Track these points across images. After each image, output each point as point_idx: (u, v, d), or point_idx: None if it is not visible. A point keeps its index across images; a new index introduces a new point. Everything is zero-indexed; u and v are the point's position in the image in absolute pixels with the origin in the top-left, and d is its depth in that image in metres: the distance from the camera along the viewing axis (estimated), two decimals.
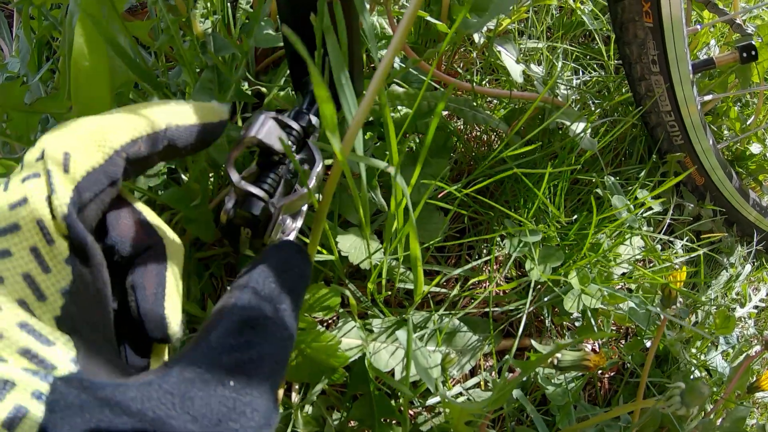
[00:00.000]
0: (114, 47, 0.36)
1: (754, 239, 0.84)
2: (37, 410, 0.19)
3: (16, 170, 0.22)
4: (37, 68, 0.57)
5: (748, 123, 0.81)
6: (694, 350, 0.72)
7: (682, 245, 0.72)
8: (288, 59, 0.42)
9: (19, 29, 0.78)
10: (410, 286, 0.50)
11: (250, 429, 0.21)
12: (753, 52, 0.63)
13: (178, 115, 0.27)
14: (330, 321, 0.54)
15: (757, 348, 0.70)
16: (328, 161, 0.48)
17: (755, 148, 0.83)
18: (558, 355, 0.46)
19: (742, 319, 0.81)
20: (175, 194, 0.46)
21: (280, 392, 0.49)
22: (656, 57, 0.58)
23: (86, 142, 0.23)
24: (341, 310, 0.50)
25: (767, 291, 0.85)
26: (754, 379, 0.65)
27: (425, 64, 0.54)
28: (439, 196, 0.50)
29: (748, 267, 0.81)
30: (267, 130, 0.32)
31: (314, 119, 0.38)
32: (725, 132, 0.84)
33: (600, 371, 0.65)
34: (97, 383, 0.20)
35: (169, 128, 0.27)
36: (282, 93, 0.54)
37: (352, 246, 0.47)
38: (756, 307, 0.83)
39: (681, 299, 0.69)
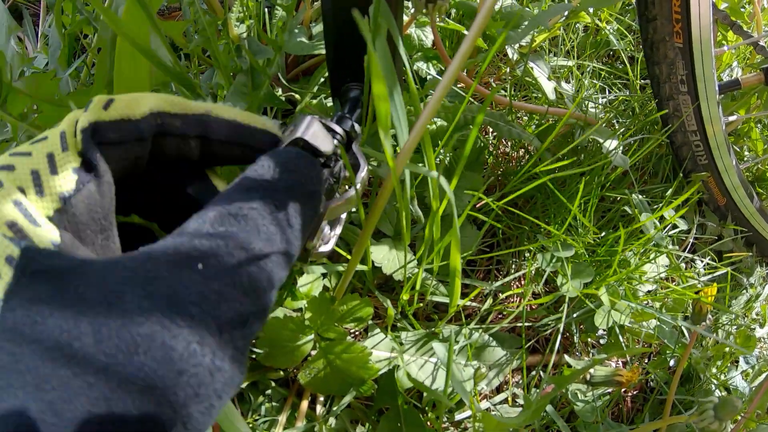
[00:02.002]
0: (145, 53, 0.36)
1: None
2: (6, 273, 0.19)
3: None
4: (68, 63, 0.57)
5: None
6: (714, 370, 0.72)
7: (705, 264, 0.72)
8: (328, 65, 0.42)
9: (46, 28, 0.79)
10: (439, 299, 0.50)
11: (212, 317, 0.19)
12: None
13: (219, 108, 0.28)
14: (358, 333, 0.54)
15: None
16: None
17: None
18: (591, 370, 0.46)
19: (762, 339, 0.81)
20: None
21: (304, 404, 0.49)
22: (684, 77, 0.58)
23: (128, 100, 0.25)
24: (371, 322, 0.50)
25: None
26: None
27: (465, 78, 0.54)
28: (478, 206, 0.50)
29: (765, 289, 0.81)
30: (312, 131, 0.32)
31: (356, 125, 0.37)
32: (746, 153, 0.84)
33: (623, 390, 0.65)
34: (67, 257, 0.20)
35: (207, 114, 0.27)
36: (314, 101, 0.54)
37: (385, 257, 0.47)
38: None
39: (711, 316, 0.69)
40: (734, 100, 0.76)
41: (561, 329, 0.50)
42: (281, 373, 0.49)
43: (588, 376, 0.45)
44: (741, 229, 0.78)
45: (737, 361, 0.75)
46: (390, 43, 0.34)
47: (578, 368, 0.43)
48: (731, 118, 0.70)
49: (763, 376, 0.73)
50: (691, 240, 0.68)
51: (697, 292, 0.53)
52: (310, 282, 0.48)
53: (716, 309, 0.68)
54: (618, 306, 0.51)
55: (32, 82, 0.44)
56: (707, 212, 0.76)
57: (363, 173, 0.34)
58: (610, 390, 0.54)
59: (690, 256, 0.66)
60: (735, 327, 0.76)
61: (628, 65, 0.74)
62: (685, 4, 0.53)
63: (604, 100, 0.71)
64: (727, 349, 0.72)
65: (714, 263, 0.72)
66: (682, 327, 0.61)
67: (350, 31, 0.35)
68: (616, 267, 0.49)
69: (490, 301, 0.51)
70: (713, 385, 0.70)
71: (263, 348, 0.45)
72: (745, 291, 0.81)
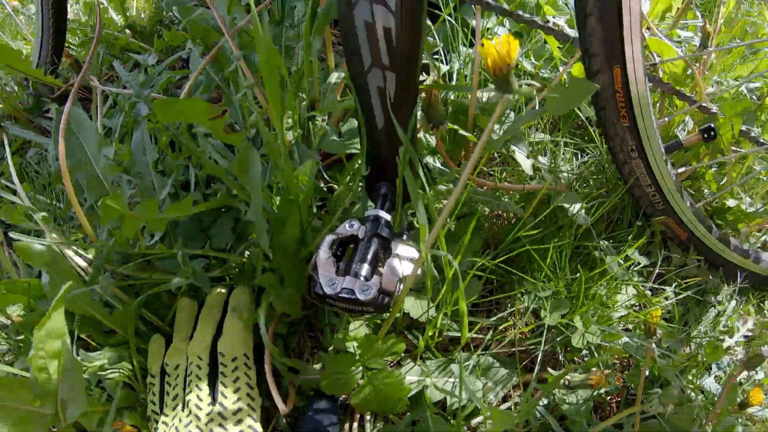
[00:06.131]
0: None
1: (738, 279, 0.98)
2: None
3: None
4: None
5: (722, 182, 0.97)
6: (690, 377, 0.87)
7: (672, 290, 0.88)
8: (368, 174, 0.59)
9: (103, 117, 0.96)
10: (453, 334, 0.66)
11: None
12: (713, 133, 0.80)
13: None
14: (393, 363, 0.70)
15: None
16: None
17: (731, 202, 0.99)
18: (568, 377, 0.62)
19: (731, 348, 0.95)
20: (269, 279, 0.62)
21: (355, 424, 0.65)
22: (634, 146, 0.74)
23: None
24: (403, 354, 0.66)
25: (753, 321, 0.99)
26: (745, 396, 0.79)
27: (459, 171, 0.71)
28: (476, 267, 0.67)
29: (733, 303, 0.96)
30: (355, 227, 0.49)
31: (388, 216, 0.54)
32: (705, 190, 1.00)
33: (609, 397, 0.80)
34: None
35: None
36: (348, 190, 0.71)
37: (412, 305, 0.63)
38: (745, 336, 0.97)
39: (660, 332, 0.83)
40: (687, 151, 0.92)
41: (545, 352, 0.66)
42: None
43: (567, 382, 0.61)
44: (704, 257, 0.93)
45: (710, 368, 0.89)
46: (411, 166, 0.52)
47: (556, 376, 0.60)
48: (681, 170, 0.86)
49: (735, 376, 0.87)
50: (657, 271, 0.84)
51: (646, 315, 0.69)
52: (357, 328, 0.65)
53: (670, 327, 0.83)
54: (591, 329, 0.67)
55: (143, 208, 0.58)
56: (672, 246, 0.92)
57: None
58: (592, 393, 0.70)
59: (655, 285, 0.82)
60: (706, 339, 0.91)
61: (596, 130, 0.91)
62: (627, 95, 0.69)
63: (579, 162, 0.88)
64: (700, 357, 0.87)
65: (679, 289, 0.87)
66: (652, 342, 0.77)
67: (385, 155, 0.53)
68: (582, 300, 0.66)
69: (491, 333, 0.67)
70: (689, 390, 0.85)
71: (325, 380, 0.61)
72: (713, 308, 0.96)
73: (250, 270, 0.65)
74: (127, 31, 1.31)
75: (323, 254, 0.50)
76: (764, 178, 1.03)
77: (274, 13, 0.83)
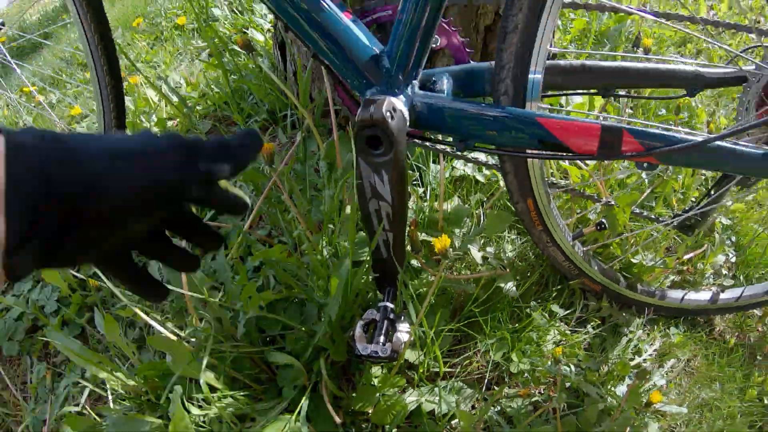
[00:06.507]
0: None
1: (645, 313, 1.37)
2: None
3: None
4: None
5: (625, 248, 1.38)
6: (609, 387, 1.26)
7: (590, 327, 1.28)
8: (376, 279, 1.01)
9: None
10: (436, 369, 1.07)
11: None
12: (604, 225, 1.21)
13: None
14: (399, 391, 1.11)
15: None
16: None
17: (636, 258, 1.39)
18: (506, 391, 1.02)
19: (640, 364, 1.35)
20: (327, 342, 1.03)
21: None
22: (548, 240, 1.15)
23: None
24: (405, 385, 1.07)
25: (660, 342, 1.39)
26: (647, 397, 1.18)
27: (434, 272, 1.12)
28: (446, 329, 1.08)
29: (640, 332, 1.36)
30: (374, 314, 0.91)
31: (392, 305, 0.95)
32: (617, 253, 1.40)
33: (546, 402, 1.20)
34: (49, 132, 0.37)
35: None
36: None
37: (410, 355, 1.04)
38: (651, 354, 1.36)
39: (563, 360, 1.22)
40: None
41: (497, 376, 1.07)
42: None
43: (505, 394, 1.01)
44: (615, 301, 1.34)
45: (623, 379, 1.29)
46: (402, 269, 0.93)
47: (497, 391, 1.00)
48: (588, 247, 1.27)
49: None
50: (576, 315, 1.25)
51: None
52: (376, 370, 1.05)
53: (588, 354, 1.22)
54: (523, 361, 1.08)
55: (244, 293, 1.01)
56: (590, 297, 1.32)
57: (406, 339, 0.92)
58: (524, 402, 1.10)
59: (572, 327, 1.22)
60: (618, 359, 1.31)
61: None
62: (538, 214, 1.10)
63: (519, 243, 1.29)
64: (615, 373, 1.27)
65: (596, 327, 1.28)
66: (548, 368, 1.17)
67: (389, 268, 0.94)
68: (515, 343, 1.06)
69: (459, 368, 1.08)
70: (608, 396, 1.24)
71: (358, 403, 1.02)
72: (625, 336, 1.35)
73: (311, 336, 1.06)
74: None
75: (359, 331, 0.91)
76: (662, 241, 1.44)
77: (300, 155, 1.26)
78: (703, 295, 1.35)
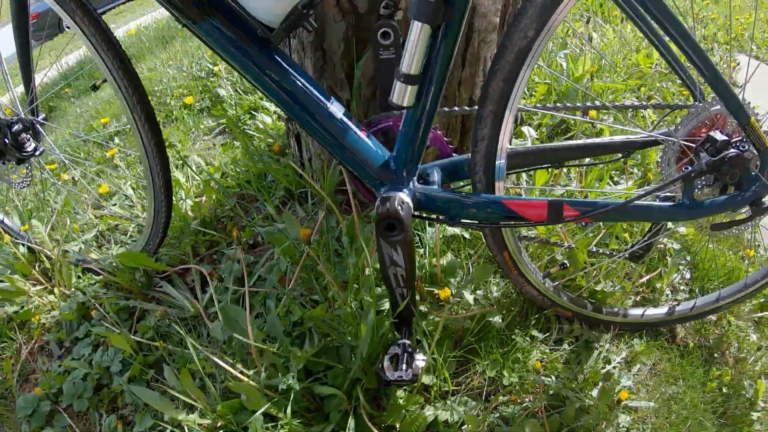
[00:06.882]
0: None
1: (610, 330, 1.69)
2: None
3: None
4: None
5: (589, 280, 1.70)
6: (587, 390, 1.57)
7: (566, 345, 1.60)
8: (395, 323, 1.32)
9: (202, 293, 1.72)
10: (446, 388, 1.37)
11: None
12: (566, 265, 1.53)
13: None
14: (419, 407, 1.41)
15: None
16: None
17: (599, 286, 1.72)
18: (501, 399, 1.33)
19: (609, 371, 1.66)
20: (360, 374, 1.34)
21: None
22: (523, 281, 1.47)
23: None
24: (423, 402, 1.37)
25: (627, 351, 1.70)
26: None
27: (438, 314, 1.44)
28: (451, 356, 1.39)
29: (608, 345, 1.67)
30: (396, 349, 1.22)
31: (408, 341, 1.27)
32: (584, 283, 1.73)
33: (538, 410, 1.50)
34: None
35: None
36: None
37: (425, 378, 1.35)
38: (619, 362, 1.67)
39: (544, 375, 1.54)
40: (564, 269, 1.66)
41: (490, 389, 1.38)
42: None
43: (500, 402, 1.32)
44: (584, 323, 1.65)
45: (597, 384, 1.59)
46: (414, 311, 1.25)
47: (493, 399, 1.31)
48: (555, 282, 1.59)
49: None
50: (555, 337, 1.57)
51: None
52: (399, 391, 1.36)
53: (566, 366, 1.54)
54: (512, 375, 1.39)
55: (292, 354, 1.32)
56: (563, 321, 1.64)
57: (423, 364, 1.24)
58: (517, 407, 1.41)
59: (551, 346, 1.54)
60: (590, 369, 1.62)
61: None
62: (513, 262, 1.42)
63: (503, 284, 1.62)
64: (589, 379, 1.58)
65: (570, 345, 1.59)
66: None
67: (404, 313, 1.26)
68: (504, 361, 1.38)
69: (464, 385, 1.39)
70: (585, 399, 1.55)
71: (388, 419, 1.32)
72: (596, 350, 1.67)
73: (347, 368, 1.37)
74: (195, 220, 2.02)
75: (387, 363, 1.23)
76: (620, 270, 1.77)
77: (324, 230, 1.58)
78: (661, 310, 1.63)
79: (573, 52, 2.50)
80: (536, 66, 2.36)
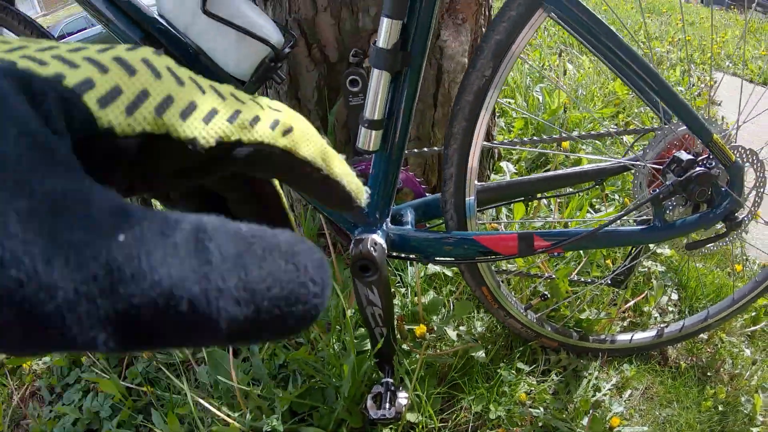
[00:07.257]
0: None
1: (599, 357, 1.70)
2: None
3: None
4: None
5: (573, 308, 1.72)
6: (577, 420, 1.57)
7: (555, 374, 1.61)
8: (378, 362, 1.34)
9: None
10: (432, 425, 1.38)
11: None
12: (548, 295, 1.55)
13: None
14: None
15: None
16: None
17: (584, 314, 1.73)
18: None
19: (598, 399, 1.66)
20: (345, 414, 1.35)
21: None
22: (505, 314, 1.49)
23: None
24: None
25: (617, 378, 1.71)
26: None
27: (419, 352, 1.46)
28: (435, 392, 1.40)
29: (597, 373, 1.68)
30: (379, 388, 1.23)
31: (391, 379, 1.28)
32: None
33: None
34: None
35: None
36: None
37: (410, 416, 1.35)
38: (610, 389, 1.68)
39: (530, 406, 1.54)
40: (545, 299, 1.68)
41: (473, 424, 1.39)
42: None
43: None
44: (560, 350, 1.66)
45: (587, 412, 1.60)
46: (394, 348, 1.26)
47: None
48: (539, 314, 1.61)
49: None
50: (542, 368, 1.58)
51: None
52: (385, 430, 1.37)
53: (556, 396, 1.54)
54: (498, 409, 1.40)
55: (280, 397, 1.34)
56: (549, 351, 1.65)
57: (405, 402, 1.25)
58: None
59: (539, 377, 1.55)
60: (579, 397, 1.62)
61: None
62: (494, 299, 1.44)
63: (484, 326, 1.63)
64: (580, 408, 1.58)
65: (558, 374, 1.60)
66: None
67: (383, 351, 1.28)
68: (490, 395, 1.39)
69: (450, 422, 1.40)
70: (575, 427, 1.55)
71: None
72: (585, 378, 1.68)
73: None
74: None
75: (370, 402, 1.24)
76: (604, 297, 1.78)
77: None
78: (649, 333, 1.64)
79: (549, 85, 2.55)
80: (513, 101, 2.42)
